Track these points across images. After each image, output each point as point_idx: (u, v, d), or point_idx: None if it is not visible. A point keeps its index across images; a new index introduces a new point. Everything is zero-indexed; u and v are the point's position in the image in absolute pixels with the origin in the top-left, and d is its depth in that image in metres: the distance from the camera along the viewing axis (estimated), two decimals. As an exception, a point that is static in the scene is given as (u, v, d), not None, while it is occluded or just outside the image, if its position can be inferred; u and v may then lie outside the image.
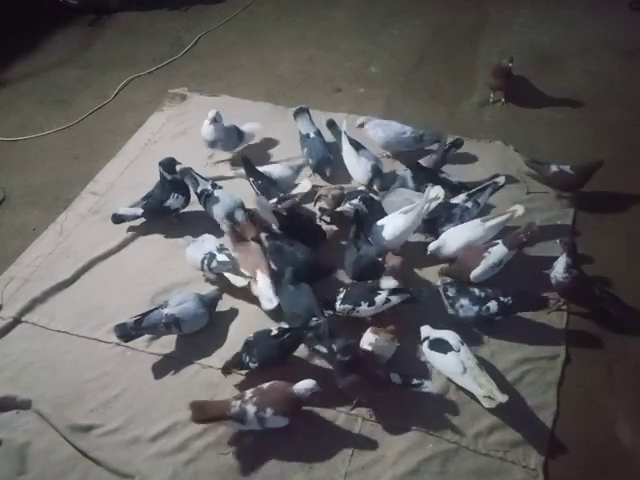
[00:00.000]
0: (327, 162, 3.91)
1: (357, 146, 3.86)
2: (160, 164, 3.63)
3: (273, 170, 3.86)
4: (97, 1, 5.82)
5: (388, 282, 3.11)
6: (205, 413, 2.75)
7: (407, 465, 2.71)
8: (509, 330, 3.16)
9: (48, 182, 4.17)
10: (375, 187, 3.74)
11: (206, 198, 3.64)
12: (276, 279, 3.24)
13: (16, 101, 4.91)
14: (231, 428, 2.81)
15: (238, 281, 3.29)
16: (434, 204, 3.42)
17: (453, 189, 3.63)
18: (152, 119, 4.62)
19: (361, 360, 2.80)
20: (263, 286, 3.20)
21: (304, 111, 4.16)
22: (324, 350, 3.03)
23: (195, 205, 3.80)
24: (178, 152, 3.99)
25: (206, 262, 3.31)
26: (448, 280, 3.27)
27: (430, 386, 2.81)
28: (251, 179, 3.78)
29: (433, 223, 3.50)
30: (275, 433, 2.76)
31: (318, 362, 3.08)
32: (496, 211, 3.62)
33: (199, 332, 3.21)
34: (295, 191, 3.71)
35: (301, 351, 3.06)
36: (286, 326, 3.00)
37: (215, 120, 3.96)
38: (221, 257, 3.29)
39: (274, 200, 3.50)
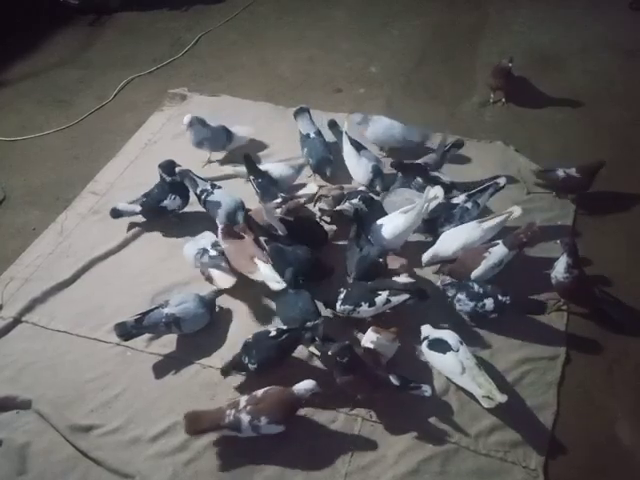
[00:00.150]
0: (327, 162, 3.90)
1: (358, 146, 3.86)
2: (160, 166, 3.63)
3: (274, 169, 3.85)
4: (97, 1, 5.82)
5: (403, 279, 3.12)
6: (199, 424, 2.74)
7: (407, 465, 2.71)
8: (509, 330, 3.16)
9: (48, 182, 4.17)
10: (377, 188, 3.73)
11: (206, 198, 3.63)
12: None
13: (16, 101, 4.91)
14: (225, 435, 2.80)
15: (224, 281, 3.28)
16: (434, 203, 3.42)
17: (444, 188, 3.62)
18: (152, 119, 4.62)
19: (360, 360, 2.80)
20: (266, 270, 3.19)
21: (304, 111, 4.16)
22: (317, 353, 3.03)
23: (195, 205, 3.79)
24: (178, 152, 4.02)
25: (199, 257, 3.32)
26: (448, 280, 3.27)
27: (429, 390, 2.80)
28: (251, 177, 3.77)
29: (433, 223, 3.50)
30: (275, 434, 2.75)
31: (317, 363, 3.07)
32: (496, 211, 3.62)
33: (199, 332, 3.20)
34: (300, 192, 3.69)
35: (300, 352, 3.06)
36: (284, 327, 3.00)
37: (191, 124, 3.96)
38: (212, 252, 3.31)
39: (278, 200, 3.48)
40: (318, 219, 3.70)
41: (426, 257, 3.39)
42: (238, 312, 3.33)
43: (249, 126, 4.22)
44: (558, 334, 3.17)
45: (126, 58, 5.33)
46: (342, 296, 3.11)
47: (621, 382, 3.00)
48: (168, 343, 3.19)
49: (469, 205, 3.48)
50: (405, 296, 3.04)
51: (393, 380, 2.78)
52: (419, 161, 3.78)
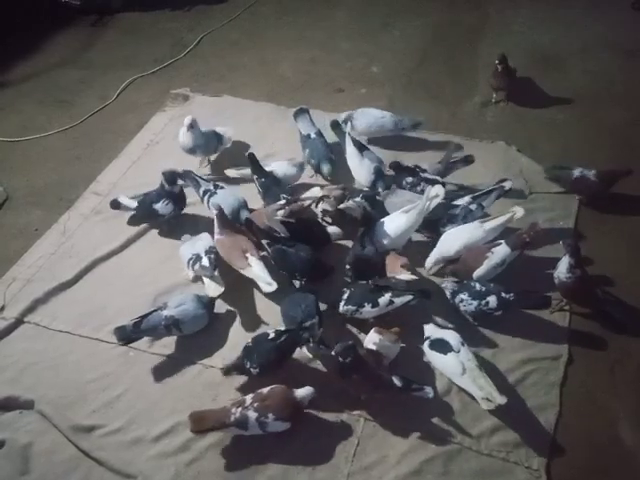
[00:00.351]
0: (329, 163, 3.89)
1: (361, 147, 3.85)
2: (162, 174, 3.62)
3: (278, 168, 3.85)
4: (99, 1, 5.82)
5: (405, 276, 3.12)
6: (204, 424, 2.74)
7: (410, 465, 2.71)
8: (512, 330, 3.16)
9: (50, 182, 4.17)
10: (379, 189, 3.73)
11: (209, 198, 3.64)
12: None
13: (18, 102, 4.91)
14: (230, 433, 2.81)
15: (213, 290, 3.27)
16: (435, 202, 3.43)
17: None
18: (154, 119, 4.62)
19: (363, 360, 2.81)
20: (258, 270, 3.20)
21: (304, 112, 4.16)
22: (309, 355, 3.02)
23: (193, 207, 3.82)
24: (180, 153, 4.01)
25: (191, 263, 3.32)
26: (452, 283, 3.26)
27: (431, 392, 2.79)
28: (255, 176, 3.77)
29: (435, 224, 3.49)
30: (277, 434, 2.76)
31: (318, 364, 3.06)
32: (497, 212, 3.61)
33: (201, 332, 3.21)
34: (304, 196, 3.68)
35: (300, 354, 3.05)
36: (282, 328, 2.99)
37: (192, 126, 3.90)
38: (205, 261, 3.29)
39: (281, 202, 3.48)
40: (320, 219, 3.70)
41: (430, 261, 3.39)
42: (239, 312, 3.33)
43: (231, 126, 4.19)
44: (561, 334, 3.17)
45: (128, 58, 5.33)
46: (345, 297, 3.11)
47: (623, 382, 3.00)
48: (170, 344, 3.19)
49: (473, 207, 3.48)
50: (408, 297, 3.04)
51: (396, 381, 2.78)
52: (425, 167, 3.77)
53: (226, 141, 4.12)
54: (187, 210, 3.81)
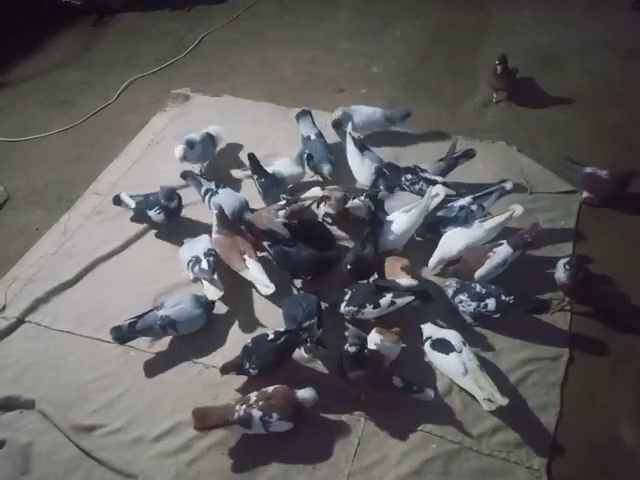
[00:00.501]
0: (328, 163, 3.87)
1: (361, 147, 3.86)
2: (160, 189, 3.60)
3: (282, 167, 3.85)
4: (100, 1, 5.83)
5: (406, 281, 3.12)
6: (208, 421, 2.74)
7: (410, 465, 2.71)
8: (513, 330, 3.16)
9: (51, 182, 4.18)
10: (380, 188, 3.73)
11: (210, 198, 3.64)
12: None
13: (18, 102, 4.91)
14: (234, 432, 2.81)
15: (212, 293, 3.26)
16: (435, 202, 3.43)
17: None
18: (155, 119, 4.62)
19: (366, 357, 2.82)
20: (255, 272, 3.21)
21: (306, 114, 4.16)
22: (305, 356, 3.04)
23: (192, 207, 3.82)
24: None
25: (191, 265, 3.32)
26: (454, 283, 3.25)
27: (431, 394, 2.80)
28: (255, 177, 3.78)
29: (436, 225, 3.50)
30: (278, 433, 2.76)
31: (318, 365, 3.08)
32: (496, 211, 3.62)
33: (201, 332, 3.21)
34: (304, 196, 3.68)
35: (299, 354, 3.06)
36: (281, 329, 2.99)
37: (185, 158, 3.88)
38: (204, 264, 3.29)
39: (281, 203, 3.48)
40: (321, 220, 3.69)
41: (432, 262, 3.39)
42: (239, 311, 3.33)
43: (216, 126, 4.20)
44: (561, 334, 3.17)
45: (128, 58, 5.33)
46: (347, 297, 3.11)
47: (624, 383, 3.00)
48: (171, 344, 3.20)
49: (474, 207, 3.47)
50: (410, 298, 3.05)
51: (396, 382, 2.78)
52: (424, 166, 3.77)
53: (219, 140, 4.13)
54: (187, 211, 3.81)
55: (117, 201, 3.74)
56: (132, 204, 3.68)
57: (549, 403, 2.91)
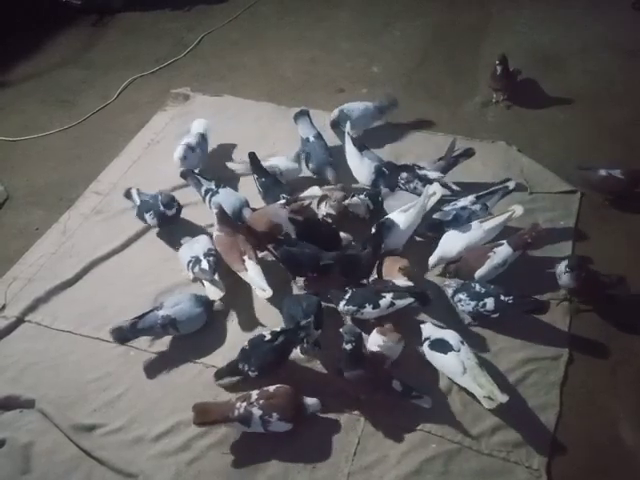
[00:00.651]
0: (327, 165, 3.86)
1: (361, 147, 3.86)
2: (159, 193, 3.61)
3: (279, 163, 3.86)
4: (100, 1, 5.83)
5: (403, 282, 3.13)
6: (208, 416, 2.74)
7: (410, 465, 2.72)
8: (512, 330, 3.16)
9: (51, 182, 4.18)
10: (381, 188, 3.73)
11: (211, 197, 3.64)
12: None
13: (19, 101, 4.92)
14: (233, 430, 2.81)
15: (214, 293, 3.27)
16: (433, 201, 3.43)
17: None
18: (155, 119, 4.63)
19: (365, 355, 2.82)
20: (254, 275, 3.21)
21: (304, 114, 4.14)
22: (301, 356, 3.04)
23: (193, 208, 3.83)
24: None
25: (191, 265, 3.32)
26: (454, 283, 3.26)
27: (429, 402, 2.79)
28: (255, 176, 3.77)
29: (440, 225, 3.48)
30: (278, 433, 2.76)
31: (318, 365, 3.08)
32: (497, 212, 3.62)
33: (201, 332, 3.21)
34: (304, 195, 3.68)
35: (297, 355, 3.08)
36: (278, 329, 2.98)
37: (185, 157, 3.89)
38: (204, 264, 3.29)
39: (281, 202, 3.48)
40: (321, 219, 3.68)
41: (432, 262, 3.38)
42: (239, 311, 3.33)
43: (201, 120, 4.21)
44: (561, 334, 3.17)
45: (129, 58, 5.34)
46: (347, 296, 3.11)
47: (624, 383, 3.00)
48: (170, 343, 3.20)
49: (477, 207, 3.47)
50: (409, 300, 3.04)
51: (396, 386, 2.78)
52: (423, 165, 3.78)
53: (209, 135, 4.14)
54: (187, 211, 3.81)
55: (127, 195, 3.75)
56: (137, 201, 3.69)
57: (549, 403, 2.91)
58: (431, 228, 3.51)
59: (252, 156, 3.80)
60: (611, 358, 3.09)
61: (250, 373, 2.88)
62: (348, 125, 3.96)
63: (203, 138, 4.06)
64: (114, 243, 3.68)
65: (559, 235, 3.61)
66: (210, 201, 3.65)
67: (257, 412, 2.69)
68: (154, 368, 3.11)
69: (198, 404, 2.78)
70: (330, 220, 3.66)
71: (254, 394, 2.76)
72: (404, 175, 3.70)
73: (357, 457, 2.75)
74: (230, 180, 4.00)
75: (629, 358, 3.09)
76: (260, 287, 3.17)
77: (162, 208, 3.56)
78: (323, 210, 3.62)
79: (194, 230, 3.68)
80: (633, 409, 2.90)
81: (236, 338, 3.16)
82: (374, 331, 2.99)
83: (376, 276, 3.35)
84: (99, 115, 4.74)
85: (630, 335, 3.17)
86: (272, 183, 3.71)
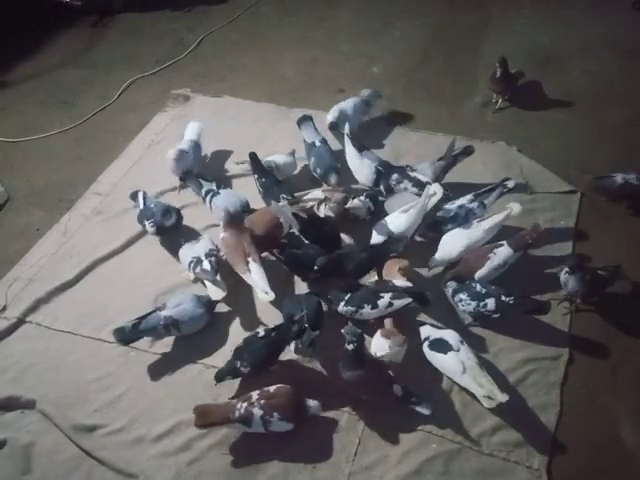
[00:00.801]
0: (335, 171, 3.82)
1: (360, 147, 3.86)
2: (157, 204, 3.58)
3: (275, 158, 3.88)
4: (100, 2, 5.83)
5: (401, 283, 3.13)
6: (209, 418, 2.75)
7: (411, 465, 2.72)
8: (512, 330, 3.16)
9: (51, 183, 4.18)
10: (381, 188, 3.74)
11: (212, 198, 3.65)
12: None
13: (19, 102, 4.92)
14: (234, 430, 2.82)
15: (215, 293, 3.28)
16: (433, 201, 3.43)
17: (421, 185, 3.63)
18: (155, 120, 4.63)
19: (369, 359, 2.83)
20: (257, 277, 3.21)
21: (307, 119, 4.13)
22: (296, 356, 3.05)
23: (193, 208, 3.84)
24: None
25: (192, 266, 3.32)
26: (454, 284, 3.25)
27: (429, 409, 2.78)
28: (255, 176, 3.77)
29: (439, 225, 3.49)
30: (279, 433, 2.76)
31: (319, 365, 3.08)
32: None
33: (201, 332, 3.21)
34: (306, 197, 3.68)
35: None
36: (272, 326, 2.99)
37: (178, 159, 3.85)
38: (206, 265, 3.29)
39: (281, 203, 3.48)
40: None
41: (432, 264, 3.38)
42: (240, 311, 3.33)
43: (195, 123, 4.20)
44: (561, 334, 3.17)
45: (129, 59, 5.34)
46: (346, 297, 3.11)
47: (624, 383, 3.00)
48: (171, 343, 3.20)
49: (475, 205, 3.48)
50: (407, 300, 3.04)
51: (396, 390, 2.78)
52: (420, 166, 3.78)
53: (202, 144, 4.10)
54: (187, 211, 3.81)
55: (133, 196, 3.75)
56: (140, 205, 3.67)
57: (549, 403, 2.91)
58: (430, 228, 3.51)
59: (253, 156, 3.80)
60: (611, 358, 3.09)
61: (242, 369, 2.88)
62: (347, 127, 3.96)
63: (196, 145, 4.02)
64: (114, 244, 3.68)
65: (559, 235, 3.61)
66: (211, 202, 3.66)
67: (258, 412, 2.69)
68: (155, 368, 3.11)
69: (199, 406, 2.78)
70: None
71: (254, 394, 2.76)
72: (394, 176, 3.71)
73: (358, 457, 2.75)
74: (230, 181, 4.00)
75: (629, 358, 3.09)
76: (263, 290, 3.17)
77: (159, 218, 3.51)
78: (322, 212, 3.58)
79: (194, 232, 3.70)
80: (633, 409, 2.90)
81: (237, 338, 3.14)
82: (377, 335, 2.98)
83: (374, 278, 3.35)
84: (99, 116, 4.75)
85: (630, 335, 3.17)
86: (272, 183, 3.71)
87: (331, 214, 3.55)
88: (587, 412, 2.91)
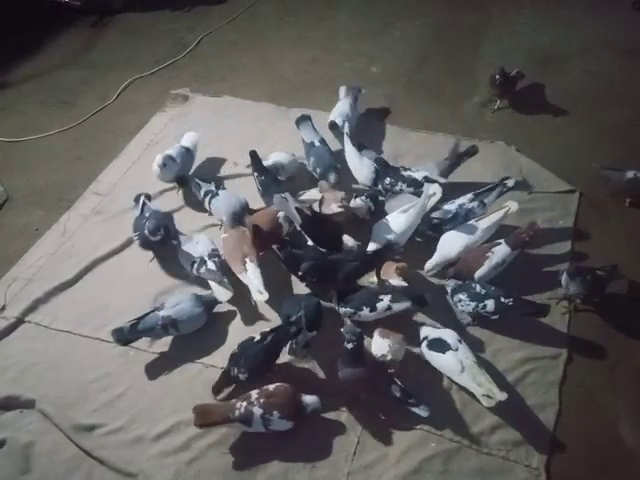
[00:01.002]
0: (335, 171, 3.82)
1: (359, 147, 3.86)
2: (147, 222, 3.45)
3: (280, 158, 3.88)
4: (100, 2, 5.83)
5: (397, 282, 3.13)
6: (209, 418, 2.74)
7: (410, 464, 2.72)
8: (511, 330, 3.17)
9: (51, 183, 4.18)
10: (380, 187, 3.74)
11: (211, 199, 3.65)
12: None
13: (19, 102, 4.92)
14: (234, 430, 2.82)
15: (222, 294, 3.28)
16: (433, 201, 3.43)
17: (415, 185, 3.64)
18: (154, 120, 4.63)
19: (369, 359, 2.83)
20: (253, 277, 3.21)
21: (306, 119, 4.12)
22: (293, 357, 3.05)
23: (194, 208, 3.84)
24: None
25: (196, 266, 3.31)
26: (453, 283, 3.26)
27: (426, 412, 2.78)
28: (255, 174, 3.77)
29: (439, 224, 3.48)
30: (278, 432, 2.76)
31: (318, 365, 3.08)
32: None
33: (201, 332, 3.21)
34: (303, 198, 3.68)
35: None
36: (267, 329, 2.98)
37: (165, 165, 3.79)
38: (210, 265, 3.29)
39: (284, 196, 3.47)
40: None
41: (431, 264, 3.38)
42: (239, 310, 3.34)
43: (192, 132, 4.16)
44: (560, 333, 3.17)
45: (128, 59, 5.34)
46: (347, 298, 3.11)
47: (623, 382, 3.00)
48: (170, 343, 3.20)
49: (474, 204, 3.48)
50: (406, 304, 3.04)
51: (394, 390, 2.78)
52: (431, 165, 3.78)
53: (194, 153, 4.06)
54: (186, 211, 3.84)
55: (136, 199, 3.71)
56: (136, 213, 3.64)
57: (548, 402, 2.92)
58: (431, 227, 3.51)
59: (253, 154, 3.80)
60: (610, 357, 3.10)
61: (240, 376, 2.86)
62: (346, 126, 3.97)
63: (187, 151, 3.98)
64: (114, 243, 3.68)
65: (558, 235, 3.61)
66: (210, 203, 3.66)
67: (258, 411, 2.69)
68: (154, 368, 3.11)
69: (198, 406, 2.78)
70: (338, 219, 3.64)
71: (254, 393, 2.76)
72: (387, 180, 3.70)
73: (357, 456, 2.76)
74: (229, 181, 4.00)
75: (628, 357, 3.09)
76: (257, 290, 3.17)
77: (147, 232, 3.41)
78: (333, 208, 3.51)
79: (193, 230, 3.69)
80: (632, 408, 2.91)
81: (236, 338, 3.14)
82: (376, 335, 2.99)
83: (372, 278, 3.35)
84: (99, 116, 4.74)
85: (629, 335, 3.18)
86: (272, 182, 3.69)
87: (342, 210, 3.50)
88: (586, 411, 2.91)
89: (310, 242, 3.42)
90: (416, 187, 3.58)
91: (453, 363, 2.85)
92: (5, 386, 3.04)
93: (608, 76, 4.89)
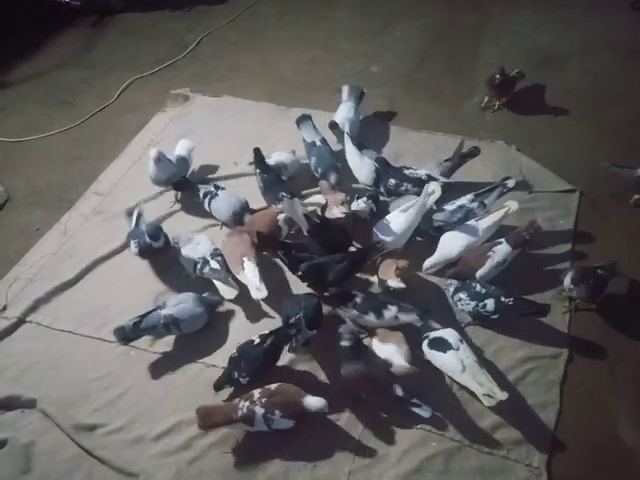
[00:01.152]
0: (335, 171, 3.81)
1: (360, 146, 3.86)
2: (146, 227, 3.43)
3: (283, 158, 3.88)
4: (100, 2, 5.84)
5: (394, 283, 3.13)
6: (212, 419, 2.75)
7: (410, 463, 2.73)
8: (512, 329, 3.17)
9: (51, 183, 4.18)
10: (381, 187, 3.74)
11: (210, 200, 3.65)
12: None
13: (19, 102, 4.92)
14: (237, 430, 2.82)
15: (227, 293, 3.29)
16: (432, 200, 3.43)
17: (420, 184, 3.62)
18: (155, 120, 4.63)
19: (365, 356, 2.83)
20: (250, 275, 3.21)
21: (307, 119, 4.11)
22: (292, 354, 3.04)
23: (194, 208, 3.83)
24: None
25: (199, 267, 3.31)
26: (455, 283, 3.25)
27: (428, 412, 2.78)
28: (257, 171, 3.76)
29: (440, 229, 3.49)
30: (279, 432, 2.76)
31: (318, 365, 3.08)
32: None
33: (202, 331, 3.21)
34: (307, 201, 3.69)
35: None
36: (266, 332, 2.98)
37: (159, 159, 3.73)
38: (214, 264, 3.29)
39: (292, 200, 3.47)
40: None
41: (430, 264, 3.38)
42: (240, 310, 3.34)
43: (186, 140, 4.12)
44: (561, 333, 3.18)
45: (128, 59, 5.34)
46: (355, 300, 3.09)
47: (623, 381, 3.01)
48: (171, 342, 3.21)
49: (475, 205, 3.48)
50: (414, 317, 3.01)
51: (397, 391, 2.78)
52: (431, 165, 3.79)
53: (191, 162, 4.03)
54: (185, 212, 3.84)
55: (129, 213, 3.69)
56: (130, 226, 3.58)
57: (548, 401, 2.92)
58: (432, 227, 3.51)
59: (256, 151, 3.79)
60: (610, 357, 3.10)
61: (241, 379, 2.87)
62: (347, 125, 3.97)
63: (183, 159, 3.94)
64: (114, 243, 3.68)
65: (558, 234, 3.62)
66: (210, 204, 3.66)
67: (260, 411, 2.69)
68: (155, 367, 3.12)
69: (201, 408, 2.77)
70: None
71: (256, 393, 2.76)
72: (392, 181, 3.70)
73: (358, 455, 2.76)
74: (229, 181, 4.01)
75: (628, 357, 3.10)
76: (255, 287, 3.17)
77: (148, 239, 3.37)
78: (338, 212, 3.50)
79: (192, 230, 3.69)
80: (632, 407, 2.91)
81: (237, 338, 3.15)
82: (375, 341, 3.00)
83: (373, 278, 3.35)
84: (99, 116, 4.75)
85: (629, 335, 3.18)
86: (274, 180, 3.69)
87: (346, 212, 3.50)
88: (586, 410, 2.92)
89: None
90: (421, 186, 3.57)
91: (454, 362, 2.85)
92: (6, 386, 3.05)
93: (608, 76, 4.89)
